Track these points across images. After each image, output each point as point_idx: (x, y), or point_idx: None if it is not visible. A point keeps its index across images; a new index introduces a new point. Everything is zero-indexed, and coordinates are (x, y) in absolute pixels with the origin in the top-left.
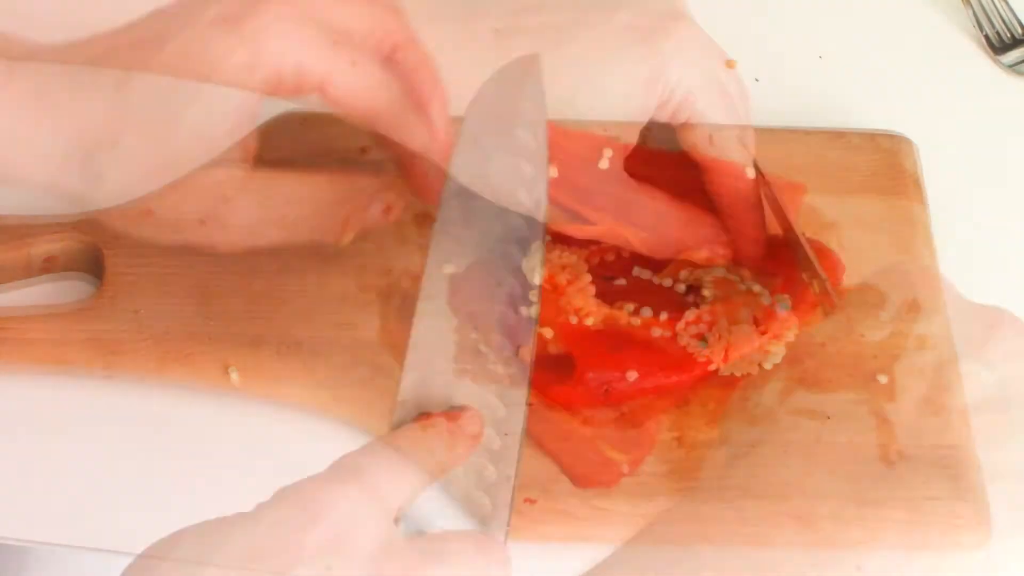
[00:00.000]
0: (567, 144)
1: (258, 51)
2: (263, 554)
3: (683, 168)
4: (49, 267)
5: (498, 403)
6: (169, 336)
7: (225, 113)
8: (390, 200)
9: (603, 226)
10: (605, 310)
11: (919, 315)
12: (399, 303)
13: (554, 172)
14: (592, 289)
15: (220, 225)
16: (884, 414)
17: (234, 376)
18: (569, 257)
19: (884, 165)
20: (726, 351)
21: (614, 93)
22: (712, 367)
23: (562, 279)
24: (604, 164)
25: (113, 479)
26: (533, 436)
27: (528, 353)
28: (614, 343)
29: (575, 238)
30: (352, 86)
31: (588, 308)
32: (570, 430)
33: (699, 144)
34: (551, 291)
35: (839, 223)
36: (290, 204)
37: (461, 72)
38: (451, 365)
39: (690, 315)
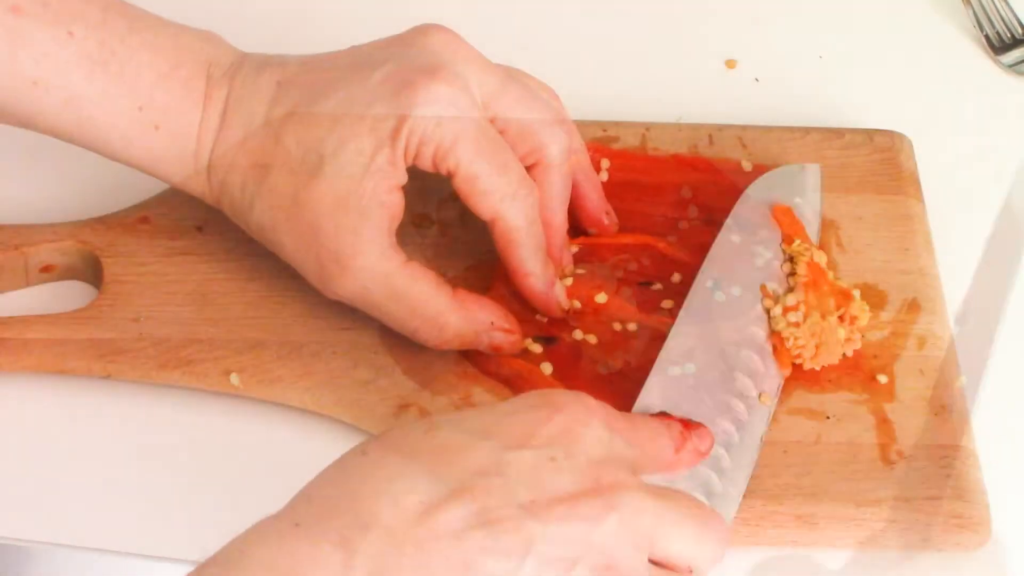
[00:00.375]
0: None
1: (405, 123)
2: (499, 432)
3: (679, 170)
4: (47, 274)
5: (734, 432)
6: (169, 341)
7: (364, 171)
8: (498, 341)
9: (633, 234)
10: (647, 316)
11: (919, 315)
12: None
13: None
14: (630, 295)
15: (327, 285)
16: (884, 414)
17: (235, 379)
18: (600, 268)
19: (882, 163)
20: (817, 348)
21: (358, 145)
22: (798, 361)
23: (600, 297)
24: (604, 176)
25: (113, 480)
26: None
27: (768, 400)
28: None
29: (604, 248)
30: (481, 186)
31: (629, 315)
32: None
33: (466, 193)
34: (589, 303)
35: (838, 221)
36: (394, 302)
37: (240, 123)
38: (697, 384)
39: (790, 299)
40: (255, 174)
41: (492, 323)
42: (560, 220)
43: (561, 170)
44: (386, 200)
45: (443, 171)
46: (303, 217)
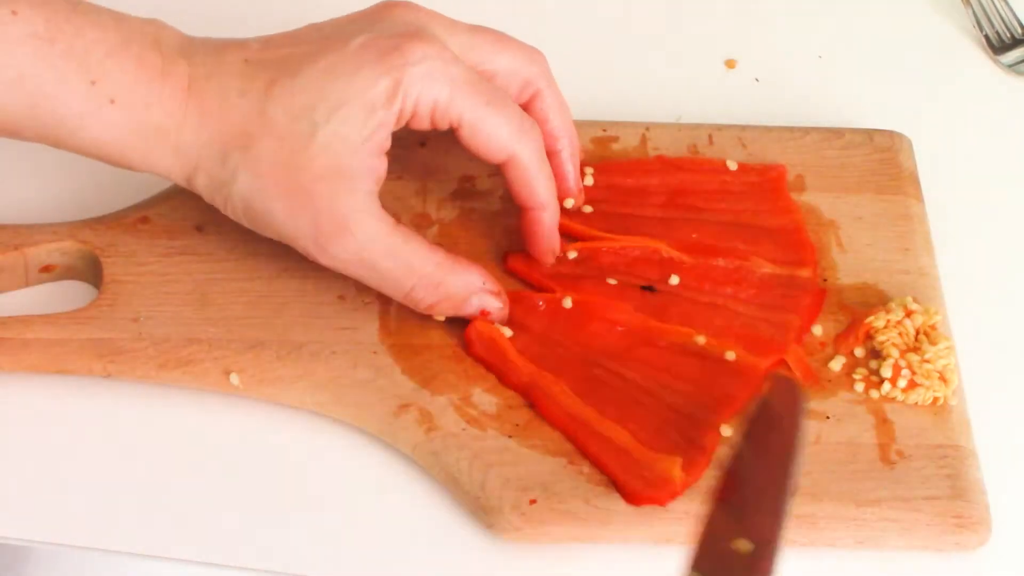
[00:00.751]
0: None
1: (400, 84)
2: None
3: (664, 171)
4: (46, 275)
5: None
6: (169, 341)
7: (358, 135)
8: (488, 305)
9: (631, 237)
10: (650, 321)
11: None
12: (398, 304)
13: None
14: (630, 299)
15: (325, 249)
16: (884, 414)
17: (235, 380)
18: (600, 272)
19: (882, 163)
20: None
21: (353, 110)
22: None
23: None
24: (589, 181)
25: (113, 480)
26: (588, 448)
27: None
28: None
29: (603, 253)
30: (488, 129)
31: (634, 320)
32: (627, 445)
33: (474, 142)
34: (591, 306)
35: (837, 221)
36: (392, 259)
37: (213, 95)
38: None
39: (885, 370)
40: (239, 143)
41: (483, 283)
42: (573, 139)
43: (556, 90)
44: (376, 165)
45: (444, 126)
46: (297, 183)
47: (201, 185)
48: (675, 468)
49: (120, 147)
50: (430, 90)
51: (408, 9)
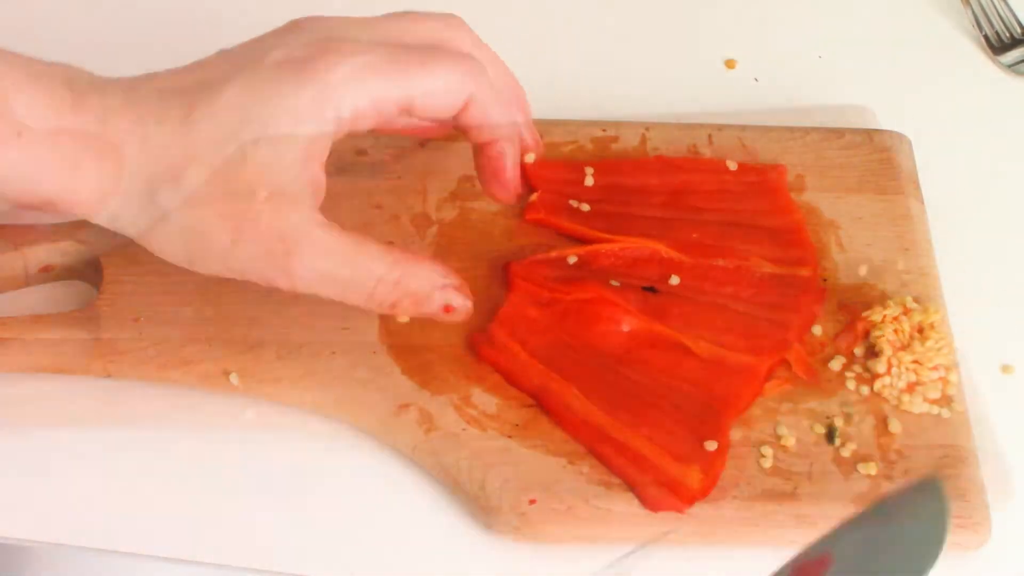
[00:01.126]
0: (550, 174)
1: (325, 92)
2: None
3: (663, 171)
4: (46, 275)
5: None
6: (169, 341)
7: (292, 150)
8: (452, 300)
9: (631, 238)
10: (654, 325)
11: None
12: None
13: (534, 196)
14: (632, 300)
15: (283, 271)
16: (884, 414)
17: (234, 380)
18: (601, 274)
19: (882, 163)
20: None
21: (280, 125)
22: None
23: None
24: (589, 181)
25: (114, 480)
26: (605, 456)
27: None
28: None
29: (603, 255)
30: (434, 91)
31: (638, 321)
32: (645, 450)
33: (427, 113)
34: (596, 307)
35: (837, 221)
36: (349, 266)
37: (130, 127)
38: None
39: (880, 366)
40: (166, 177)
41: (443, 277)
42: (511, 85)
43: (484, 47)
44: (316, 178)
45: (413, 114)
46: (238, 210)
47: (129, 225)
48: (694, 475)
49: (32, 185)
50: (360, 88)
51: (315, 21)
